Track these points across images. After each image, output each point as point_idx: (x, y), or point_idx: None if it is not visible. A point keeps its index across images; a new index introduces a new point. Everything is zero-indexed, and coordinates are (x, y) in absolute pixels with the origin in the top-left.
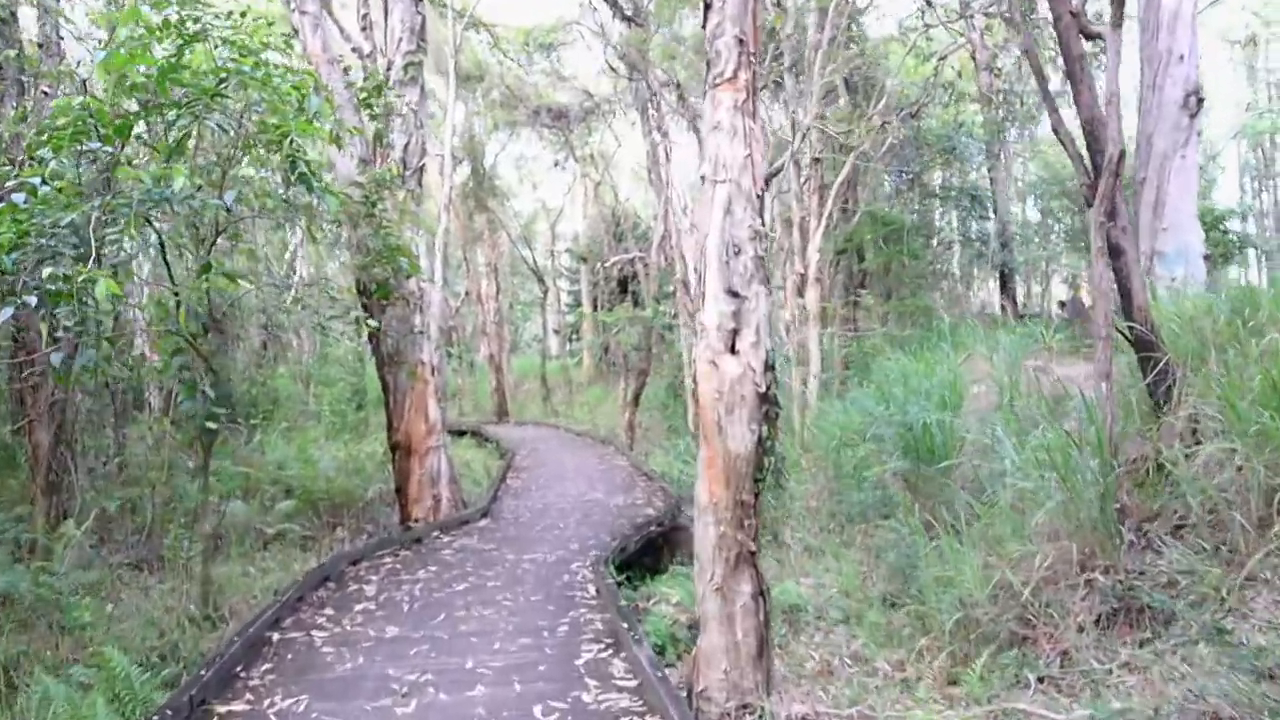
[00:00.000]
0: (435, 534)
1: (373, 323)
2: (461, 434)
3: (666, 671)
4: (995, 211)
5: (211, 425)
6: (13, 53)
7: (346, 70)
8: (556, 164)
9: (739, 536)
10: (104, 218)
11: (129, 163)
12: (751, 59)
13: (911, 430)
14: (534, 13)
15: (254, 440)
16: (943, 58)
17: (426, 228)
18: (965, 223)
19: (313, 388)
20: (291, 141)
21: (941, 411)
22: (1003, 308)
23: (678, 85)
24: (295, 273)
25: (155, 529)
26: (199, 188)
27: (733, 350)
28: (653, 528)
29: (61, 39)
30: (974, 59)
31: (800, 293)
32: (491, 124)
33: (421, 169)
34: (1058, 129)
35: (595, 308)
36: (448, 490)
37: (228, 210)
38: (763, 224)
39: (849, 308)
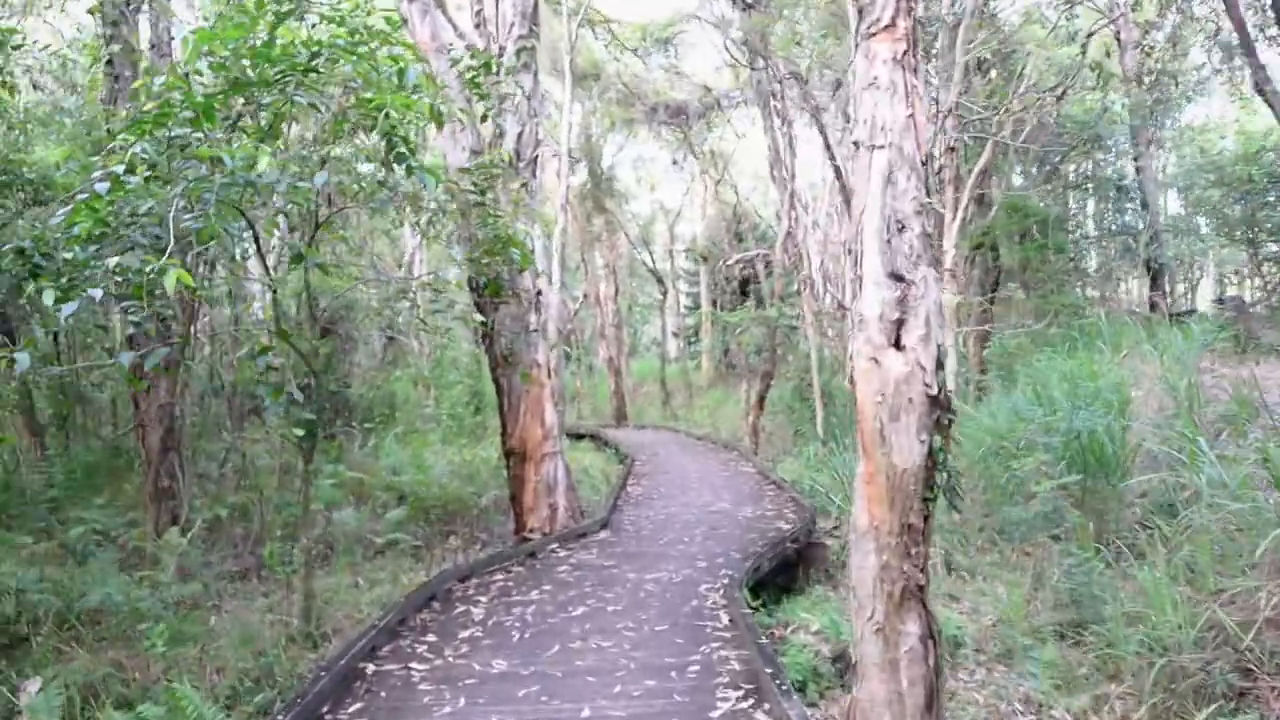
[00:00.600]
0: (551, 548)
1: (479, 318)
2: (580, 437)
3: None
4: (1144, 204)
5: (303, 430)
6: (117, 47)
7: (455, 63)
8: (675, 163)
9: (905, 567)
10: (187, 205)
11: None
12: (911, 5)
13: (1078, 438)
14: (650, 7)
15: (369, 445)
16: (1090, 34)
17: (542, 221)
18: (1108, 215)
19: (433, 391)
20: (387, 116)
21: (1108, 417)
22: (1153, 305)
23: (801, 76)
24: (411, 273)
25: (265, 537)
26: (290, 172)
27: (897, 345)
28: (788, 544)
29: (172, 39)
30: (1118, 39)
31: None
32: (608, 123)
33: (536, 160)
34: (1263, 87)
35: (715, 309)
36: (564, 499)
37: (318, 195)
38: (929, 196)
39: (985, 305)
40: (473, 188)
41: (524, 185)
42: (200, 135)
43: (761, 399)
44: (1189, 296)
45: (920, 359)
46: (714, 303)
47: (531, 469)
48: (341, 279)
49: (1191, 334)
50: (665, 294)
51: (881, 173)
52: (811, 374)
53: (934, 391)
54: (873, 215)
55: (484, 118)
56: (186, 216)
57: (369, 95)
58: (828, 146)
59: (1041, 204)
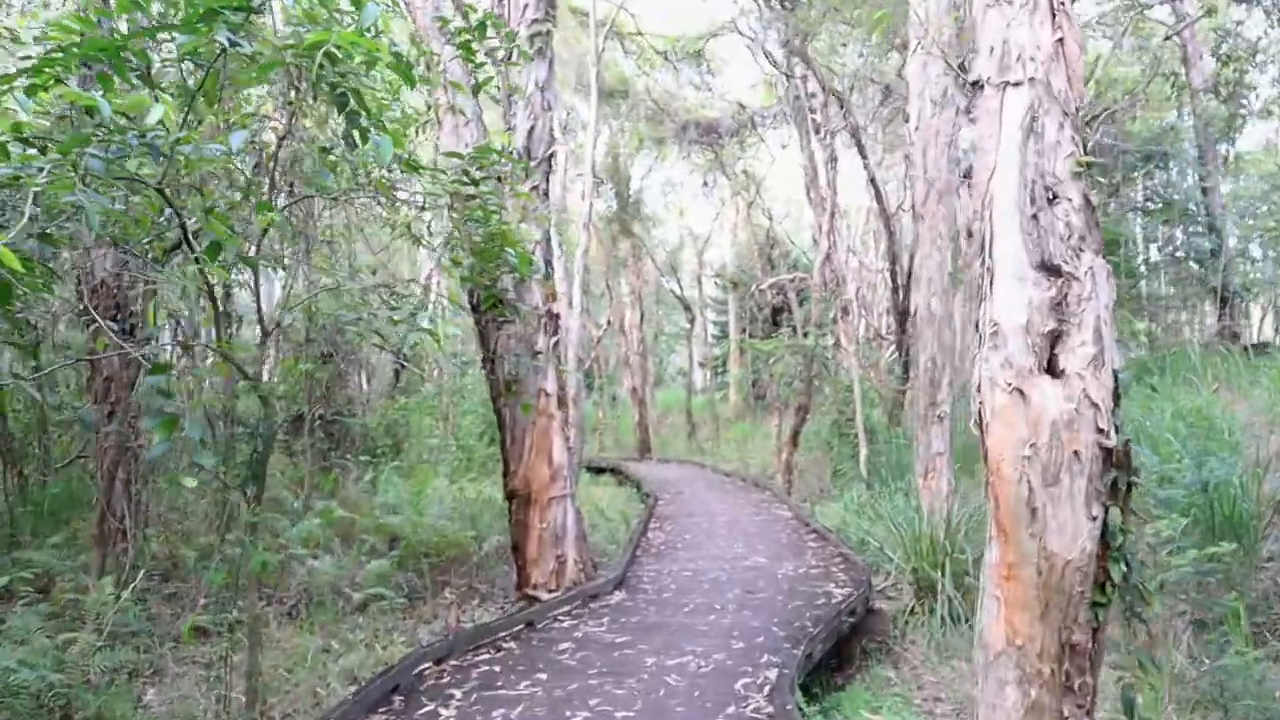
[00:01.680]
0: (554, 614)
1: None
2: (600, 471)
3: None
4: (1212, 227)
5: (247, 471)
6: None
7: (454, 36)
8: (705, 184)
9: (1065, 709)
10: (62, 172)
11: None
12: None
13: (1206, 492)
14: (682, 19)
15: (365, 479)
16: (1166, 38)
17: (557, 230)
18: (1174, 239)
19: (450, 421)
20: (333, 61)
21: (1236, 465)
22: (1233, 335)
23: (839, 93)
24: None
25: (233, 588)
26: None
27: (1052, 370)
28: (844, 619)
29: None
30: (1184, 53)
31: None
32: (636, 142)
33: (550, 160)
34: None
35: (745, 337)
36: (574, 550)
37: (264, 173)
38: (1086, 154)
39: None
40: (465, 178)
41: (535, 188)
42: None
43: (796, 434)
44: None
45: (1089, 391)
46: (743, 331)
47: (536, 514)
48: (341, 297)
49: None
50: (692, 322)
51: (1019, 120)
52: (854, 407)
53: (1110, 441)
54: (1007, 180)
55: (478, 89)
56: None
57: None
58: (867, 167)
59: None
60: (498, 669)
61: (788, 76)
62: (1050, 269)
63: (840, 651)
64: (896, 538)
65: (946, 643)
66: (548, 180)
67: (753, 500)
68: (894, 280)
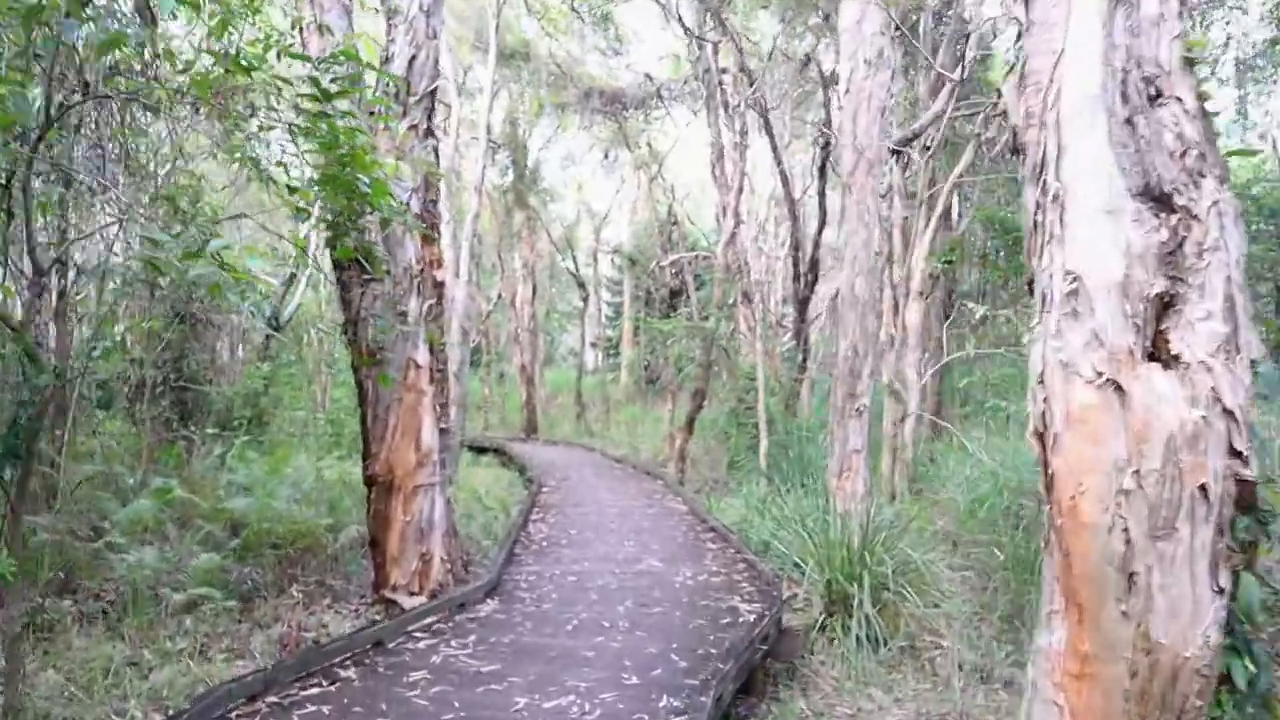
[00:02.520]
0: (408, 630)
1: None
2: (483, 451)
3: None
4: None
5: None
6: None
7: None
8: (606, 157)
9: None
10: None
11: None
12: None
13: None
14: None
15: (216, 455)
16: None
17: (455, 204)
18: None
19: (326, 391)
20: None
21: None
22: None
23: (748, 72)
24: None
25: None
26: None
27: (1160, 356)
28: (757, 647)
29: None
30: None
31: (898, 309)
32: (536, 107)
33: (433, 97)
34: None
35: (643, 317)
36: (442, 547)
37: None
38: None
39: (945, 331)
40: (315, 93)
41: (413, 127)
42: None
43: (691, 421)
44: None
45: (1221, 391)
46: (639, 314)
47: (399, 505)
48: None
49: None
50: (586, 300)
51: None
52: (755, 395)
53: (1248, 472)
54: (1084, 67)
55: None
56: None
57: None
58: (774, 149)
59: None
60: (328, 710)
61: (700, 42)
62: (1158, 199)
63: (746, 679)
64: (807, 545)
65: (862, 667)
66: (429, 120)
67: (645, 490)
68: (796, 266)
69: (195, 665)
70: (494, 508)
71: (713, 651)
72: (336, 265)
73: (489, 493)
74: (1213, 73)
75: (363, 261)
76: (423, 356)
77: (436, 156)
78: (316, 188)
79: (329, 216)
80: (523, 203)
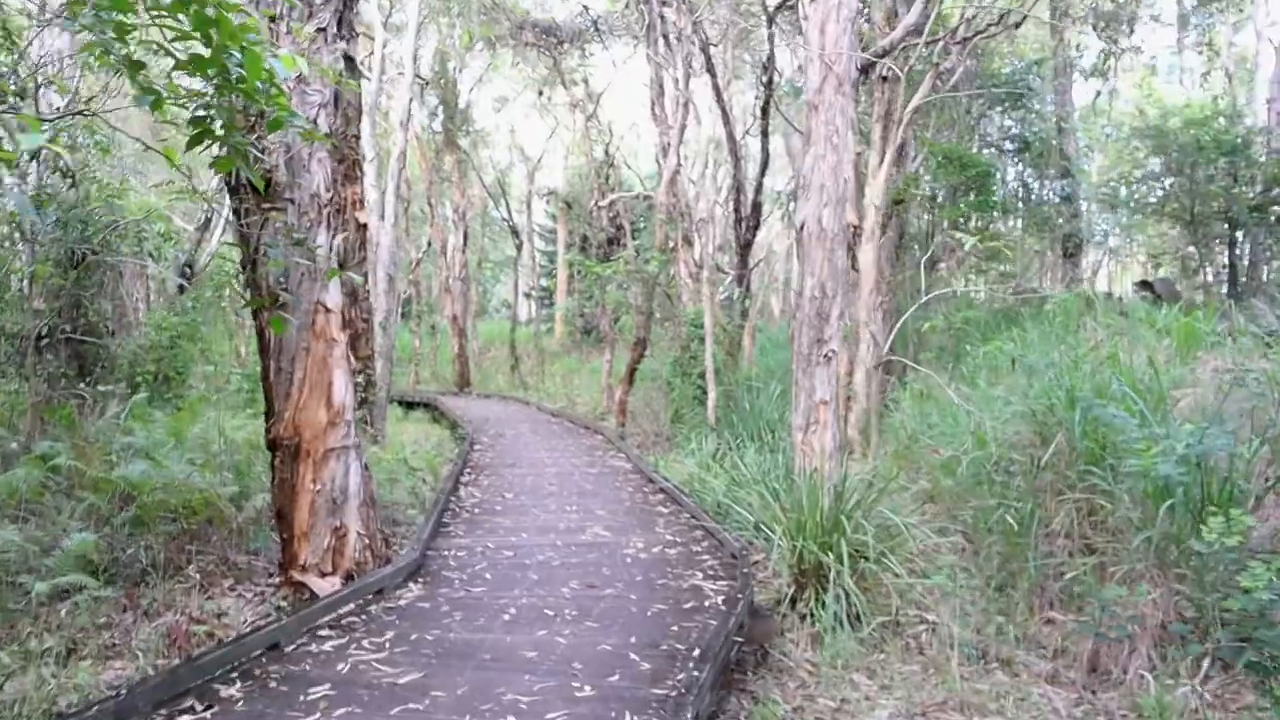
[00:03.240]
0: (311, 628)
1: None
2: (412, 406)
3: None
4: (1067, 171)
5: None
6: None
7: None
8: (541, 94)
9: None
10: None
11: None
12: None
13: (1200, 469)
14: None
15: (111, 415)
16: None
17: (380, 147)
18: (1028, 183)
19: (245, 346)
20: None
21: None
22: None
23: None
24: None
25: None
26: None
27: None
28: (732, 640)
29: None
30: None
31: (852, 249)
32: (467, 38)
33: (349, 4)
34: None
35: (581, 257)
36: (359, 520)
37: None
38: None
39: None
40: None
41: (321, 31)
42: None
43: (632, 372)
44: (1111, 278)
45: None
46: (576, 258)
47: (308, 472)
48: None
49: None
50: (520, 248)
51: None
52: (702, 344)
53: None
54: None
55: None
56: None
57: None
58: (715, 86)
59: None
60: None
61: None
62: None
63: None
64: (772, 508)
65: (841, 648)
66: (340, 26)
67: (584, 446)
68: (737, 210)
69: (62, 670)
70: (420, 468)
71: (679, 647)
72: (233, 191)
73: (416, 452)
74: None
75: (259, 187)
76: (333, 299)
77: (353, 68)
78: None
79: (227, 140)
80: (453, 144)
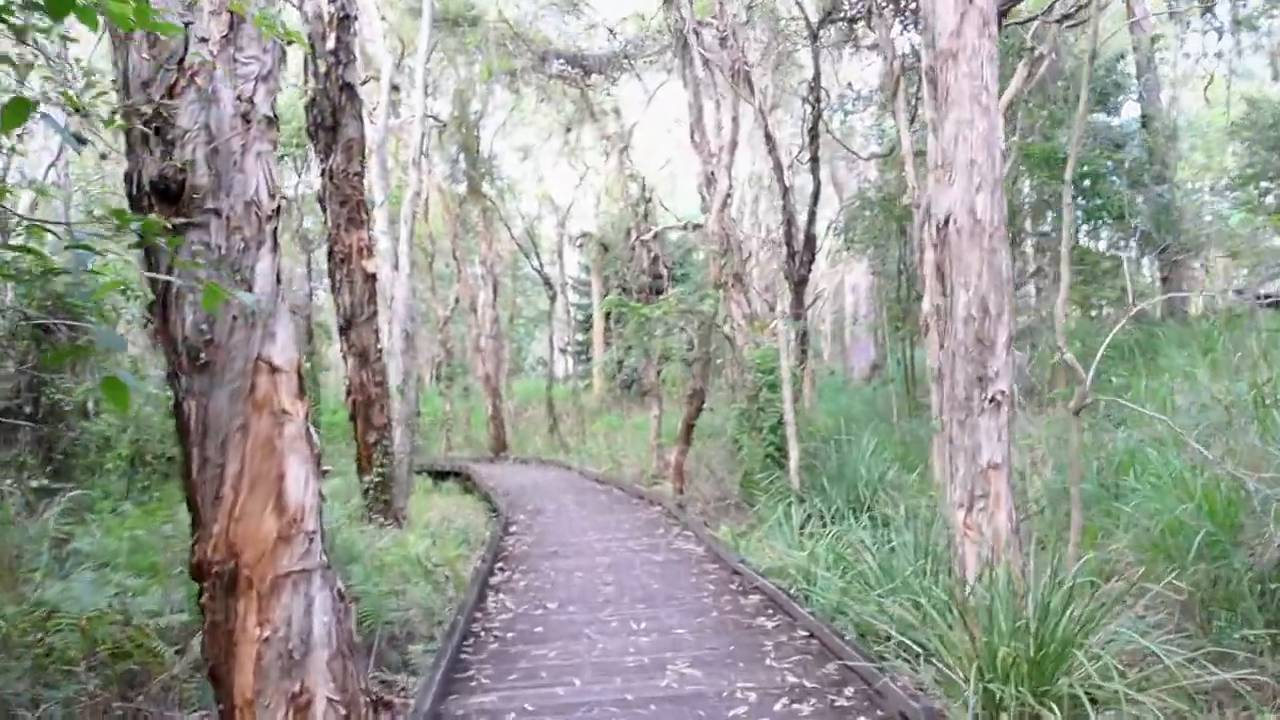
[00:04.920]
0: None
1: None
2: (444, 476)
3: None
4: (1164, 177)
5: None
6: None
7: None
8: (569, 131)
9: None
10: None
11: None
12: None
13: None
14: None
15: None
16: None
17: (391, 192)
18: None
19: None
20: None
21: None
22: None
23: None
24: None
25: None
26: None
27: None
28: None
29: None
30: None
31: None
32: (486, 73)
33: None
34: None
35: (608, 324)
36: (330, 679)
37: None
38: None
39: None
40: None
41: None
42: None
43: (689, 428)
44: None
45: None
46: (608, 315)
47: (251, 612)
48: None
49: None
50: (553, 299)
51: None
52: (774, 393)
53: None
54: None
55: None
56: None
57: None
58: (760, 111)
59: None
60: None
61: None
62: None
63: None
64: (936, 625)
65: None
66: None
67: (640, 522)
68: (789, 244)
69: None
70: (440, 564)
71: None
72: (133, 202)
73: (443, 536)
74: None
75: (165, 190)
76: (283, 353)
77: (353, 96)
78: None
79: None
80: (477, 193)
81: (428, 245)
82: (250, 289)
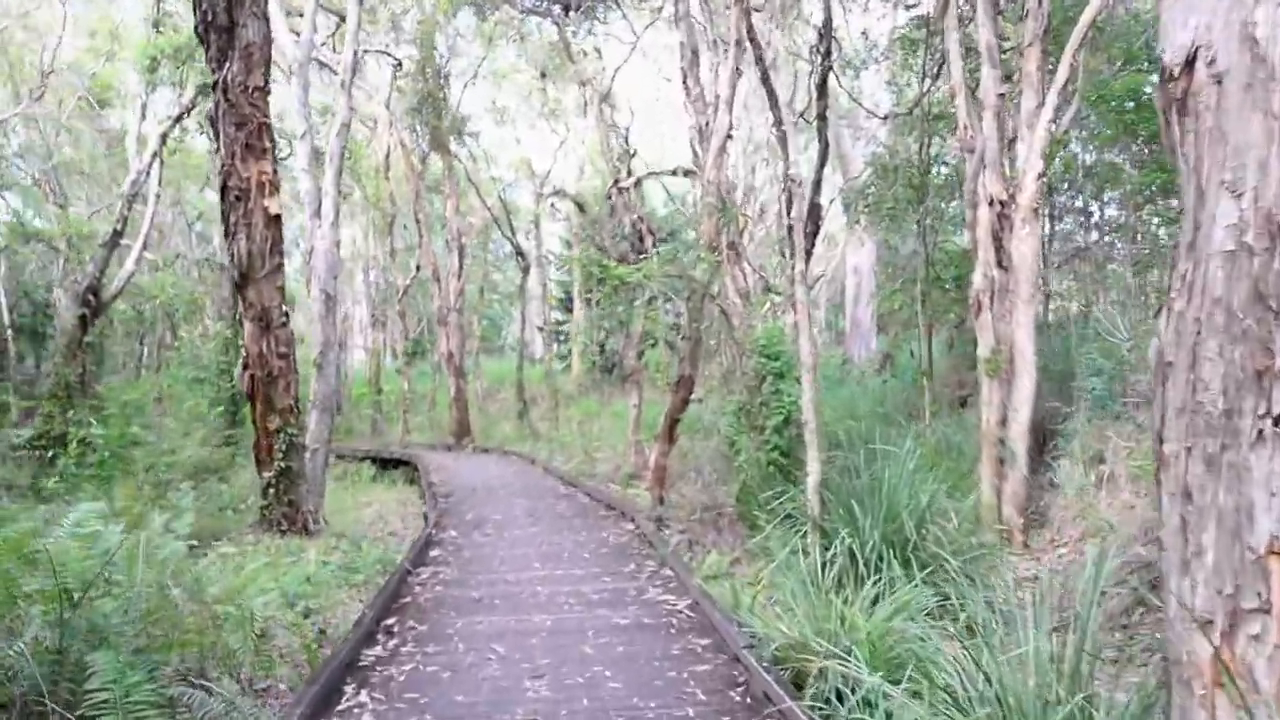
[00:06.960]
0: None
1: None
2: (392, 464)
3: None
4: None
5: None
6: None
7: None
8: (543, 75)
9: None
10: None
11: None
12: None
13: None
14: None
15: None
16: None
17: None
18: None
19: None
20: None
21: None
22: None
23: None
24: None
25: None
26: None
27: None
28: None
29: None
30: None
31: (999, 237)
32: (445, 4)
33: None
34: None
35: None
36: None
37: None
38: None
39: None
40: None
41: None
42: None
43: (673, 424)
44: None
45: None
46: (589, 292)
47: None
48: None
49: None
50: (526, 270)
51: None
52: (802, 389)
53: None
54: None
55: None
56: None
57: None
58: (760, 60)
59: None
60: None
61: None
62: None
63: None
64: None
65: None
66: None
67: (607, 549)
68: (789, 213)
69: None
70: (317, 610)
71: None
72: None
73: (351, 554)
74: None
75: None
76: None
77: None
78: None
79: None
80: (443, 147)
81: (387, 206)
82: None
